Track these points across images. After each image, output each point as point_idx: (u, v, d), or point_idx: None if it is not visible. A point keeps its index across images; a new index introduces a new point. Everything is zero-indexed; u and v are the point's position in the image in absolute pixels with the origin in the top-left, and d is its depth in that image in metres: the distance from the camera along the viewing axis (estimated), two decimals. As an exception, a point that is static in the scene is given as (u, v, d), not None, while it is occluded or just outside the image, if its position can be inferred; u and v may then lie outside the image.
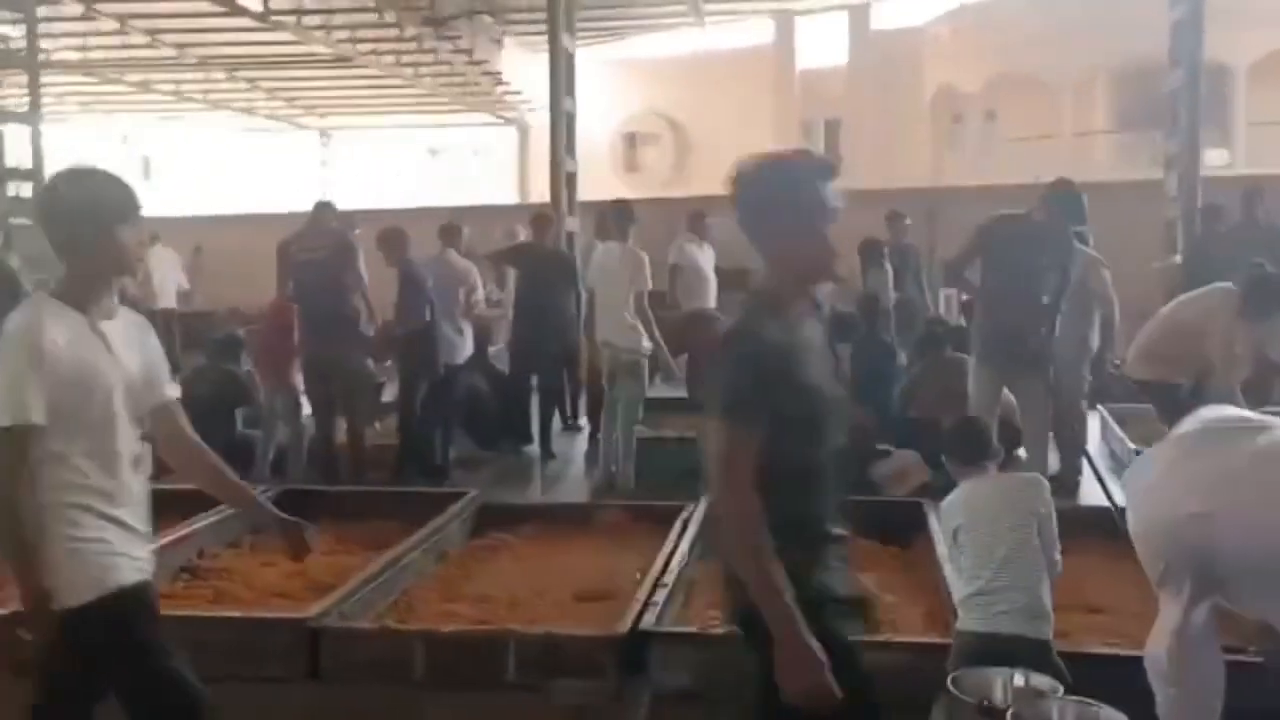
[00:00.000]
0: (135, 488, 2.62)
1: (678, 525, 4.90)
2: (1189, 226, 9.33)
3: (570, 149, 10.43)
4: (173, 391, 2.77)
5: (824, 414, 2.28)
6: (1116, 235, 8.06)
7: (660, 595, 3.91)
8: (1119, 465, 6.21)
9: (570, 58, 10.75)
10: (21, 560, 2.39)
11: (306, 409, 6.73)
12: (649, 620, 3.68)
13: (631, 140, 25.20)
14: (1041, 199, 5.70)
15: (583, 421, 8.12)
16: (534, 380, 7.49)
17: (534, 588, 4.44)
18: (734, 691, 3.54)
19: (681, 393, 6.99)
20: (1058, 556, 3.20)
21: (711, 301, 8.65)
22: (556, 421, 7.68)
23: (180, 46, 17.48)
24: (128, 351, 2.56)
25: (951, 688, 2.89)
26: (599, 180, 17.82)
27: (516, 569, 4.75)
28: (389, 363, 7.25)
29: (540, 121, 23.66)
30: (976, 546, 3.19)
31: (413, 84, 19.88)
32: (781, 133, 23.70)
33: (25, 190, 10.87)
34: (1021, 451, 6.04)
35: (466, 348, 7.08)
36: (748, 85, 22.92)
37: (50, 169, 10.94)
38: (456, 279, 7.05)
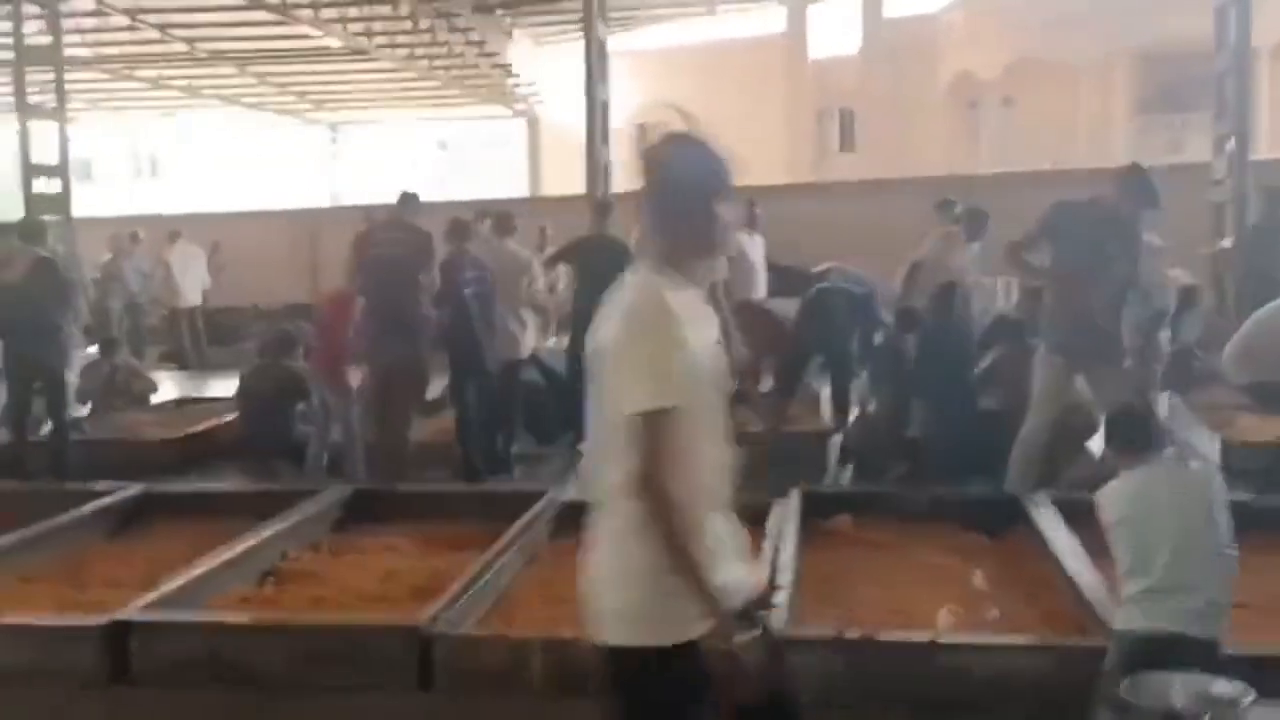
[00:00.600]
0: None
1: (772, 521, 4.77)
2: (1240, 210, 9.22)
3: (605, 138, 10.29)
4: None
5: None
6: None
7: (780, 597, 3.76)
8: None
9: (602, 46, 10.60)
10: (690, 560, 2.02)
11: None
12: (776, 624, 3.53)
13: (643, 131, 25.00)
14: (1113, 182, 5.57)
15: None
16: None
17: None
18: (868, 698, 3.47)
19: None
20: (1233, 551, 3.05)
21: (762, 292, 8.52)
22: None
23: (191, 42, 17.32)
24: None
25: (1126, 694, 2.74)
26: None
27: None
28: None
29: (550, 114, 23.77)
30: (1141, 541, 3.03)
31: (425, 77, 19.75)
32: (794, 123, 23.56)
33: (54, 186, 10.71)
34: (1094, 443, 5.92)
35: (529, 341, 6.91)
36: (760, 75, 22.74)
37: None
38: (519, 269, 6.88)
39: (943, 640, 3.42)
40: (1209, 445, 6.20)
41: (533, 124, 24.42)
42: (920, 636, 3.47)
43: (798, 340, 6.78)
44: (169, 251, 12.62)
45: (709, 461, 2.15)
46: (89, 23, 15.74)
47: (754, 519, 4.86)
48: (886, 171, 18.05)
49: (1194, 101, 17.73)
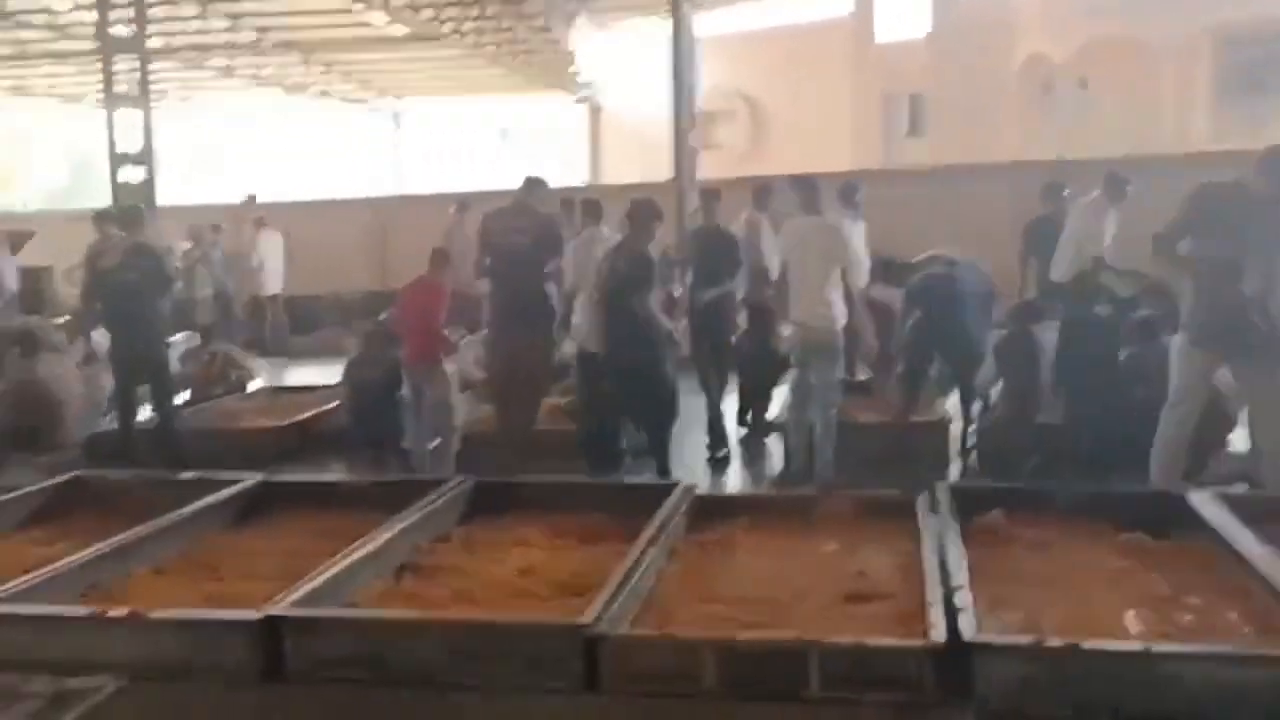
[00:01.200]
0: None
1: (920, 517, 4.56)
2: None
3: (693, 122, 10.09)
4: None
5: None
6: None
7: (961, 599, 3.55)
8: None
9: (690, 28, 10.40)
10: None
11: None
12: (968, 628, 3.33)
13: (707, 118, 24.72)
14: (1259, 165, 5.28)
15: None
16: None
17: (790, 587, 4.11)
18: (1070, 710, 3.25)
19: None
20: None
21: (865, 279, 8.27)
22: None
23: (262, 30, 17.34)
24: None
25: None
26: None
27: (759, 566, 4.41)
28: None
29: (611, 102, 23.55)
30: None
31: (491, 63, 19.66)
32: (861, 108, 23.12)
33: (138, 174, 10.73)
34: (1236, 442, 5.65)
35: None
36: (825, 60, 22.33)
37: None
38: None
39: (1157, 650, 3.19)
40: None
41: (594, 111, 24.23)
42: (1132, 645, 3.24)
43: (918, 330, 6.55)
44: (257, 238, 12.65)
45: None
46: (158, 12, 15.81)
47: (899, 513, 4.70)
48: (956, 157, 17.64)
49: (1277, 83, 17.18)
